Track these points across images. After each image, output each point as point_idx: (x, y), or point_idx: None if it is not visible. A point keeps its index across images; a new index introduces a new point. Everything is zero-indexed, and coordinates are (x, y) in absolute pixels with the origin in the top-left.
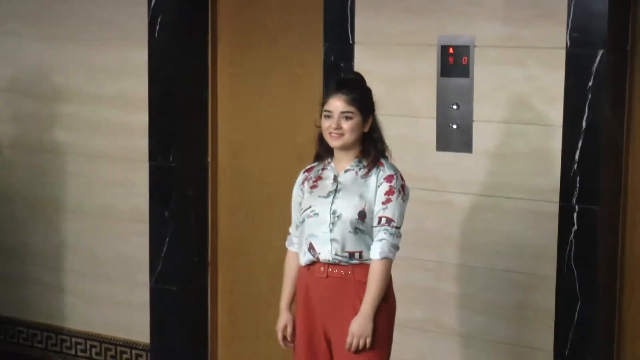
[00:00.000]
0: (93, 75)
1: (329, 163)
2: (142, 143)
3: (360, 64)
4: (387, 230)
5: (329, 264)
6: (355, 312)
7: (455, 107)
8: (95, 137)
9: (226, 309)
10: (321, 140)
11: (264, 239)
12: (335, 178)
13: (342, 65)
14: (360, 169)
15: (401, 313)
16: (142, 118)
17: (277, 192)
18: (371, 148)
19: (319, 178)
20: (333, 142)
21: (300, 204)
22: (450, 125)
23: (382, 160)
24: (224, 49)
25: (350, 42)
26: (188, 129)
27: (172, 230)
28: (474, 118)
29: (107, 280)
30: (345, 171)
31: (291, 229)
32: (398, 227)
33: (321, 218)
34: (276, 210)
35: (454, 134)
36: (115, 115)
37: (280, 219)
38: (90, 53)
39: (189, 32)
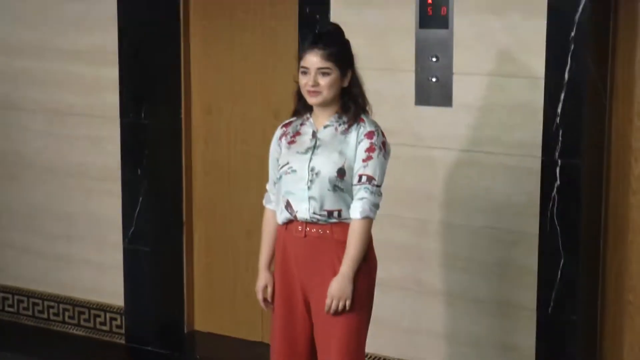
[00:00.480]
0: (61, 27)
1: (307, 118)
2: (113, 99)
3: (336, 15)
4: (368, 188)
5: (306, 222)
6: (334, 272)
7: (434, 59)
8: (63, 92)
9: (202, 270)
10: (300, 95)
11: (240, 198)
12: (314, 134)
13: (317, 16)
14: (340, 124)
15: (381, 272)
16: (112, 73)
17: (253, 150)
18: (351, 104)
19: (297, 134)
20: (311, 99)
21: (277, 160)
22: (430, 78)
23: (363, 116)
24: (197, 1)
25: None
26: (160, 85)
27: (145, 189)
28: (454, 71)
29: (79, 241)
30: (325, 127)
31: (268, 186)
32: (379, 186)
33: (299, 175)
34: (252, 168)
35: (433, 88)
36: (84, 70)
37: (256, 177)
38: (57, 4)
39: None
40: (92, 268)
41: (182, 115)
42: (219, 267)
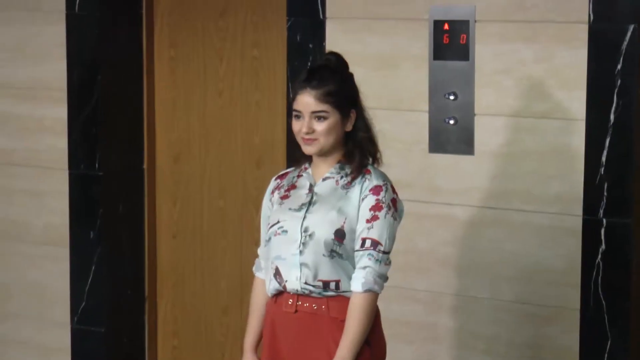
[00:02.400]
0: None
1: (305, 169)
2: (59, 145)
3: (333, 43)
4: (373, 255)
5: (298, 295)
6: (329, 357)
7: (452, 97)
8: None
9: (168, 356)
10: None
11: (215, 266)
12: (311, 187)
13: (310, 45)
14: (342, 177)
15: (389, 355)
16: (59, 113)
17: (231, 206)
18: (356, 151)
19: (293, 187)
20: (306, 148)
21: (269, 217)
22: (446, 120)
23: (370, 167)
24: (162, 26)
25: (321, 16)
26: (118, 128)
27: (98, 255)
28: (476, 111)
29: (16, 319)
30: (324, 179)
31: (260, 250)
32: (386, 252)
33: (290, 236)
34: (230, 228)
35: (450, 131)
36: (24, 109)
37: (235, 240)
38: None
39: (118, 4)
40: (32, 352)
41: (145, 165)
42: (189, 350)
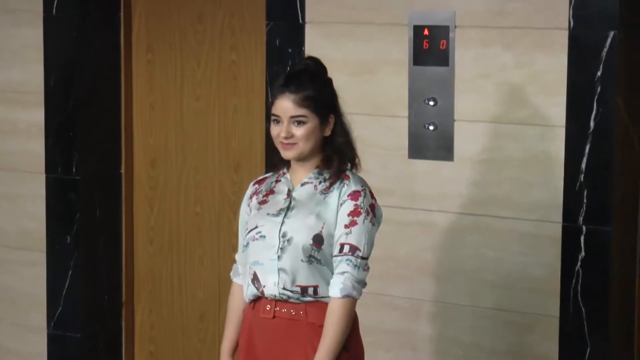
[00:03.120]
0: None
1: (284, 174)
2: (36, 149)
3: (313, 47)
4: (351, 260)
5: (276, 300)
6: None
7: (431, 103)
8: None
9: None
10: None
11: (192, 272)
12: (290, 193)
13: (289, 50)
14: (320, 182)
15: None
16: (36, 117)
17: (208, 211)
18: (334, 156)
19: (271, 192)
20: (285, 153)
21: (247, 222)
22: (426, 126)
23: (348, 173)
24: (140, 29)
25: (300, 21)
26: (95, 131)
27: (75, 260)
28: (455, 117)
29: None
30: (302, 184)
31: (237, 256)
32: (365, 258)
33: (268, 241)
34: (207, 234)
35: (430, 137)
36: (0, 111)
37: (212, 246)
38: None
39: (96, 7)
40: (8, 358)
41: (122, 169)
42: (166, 356)
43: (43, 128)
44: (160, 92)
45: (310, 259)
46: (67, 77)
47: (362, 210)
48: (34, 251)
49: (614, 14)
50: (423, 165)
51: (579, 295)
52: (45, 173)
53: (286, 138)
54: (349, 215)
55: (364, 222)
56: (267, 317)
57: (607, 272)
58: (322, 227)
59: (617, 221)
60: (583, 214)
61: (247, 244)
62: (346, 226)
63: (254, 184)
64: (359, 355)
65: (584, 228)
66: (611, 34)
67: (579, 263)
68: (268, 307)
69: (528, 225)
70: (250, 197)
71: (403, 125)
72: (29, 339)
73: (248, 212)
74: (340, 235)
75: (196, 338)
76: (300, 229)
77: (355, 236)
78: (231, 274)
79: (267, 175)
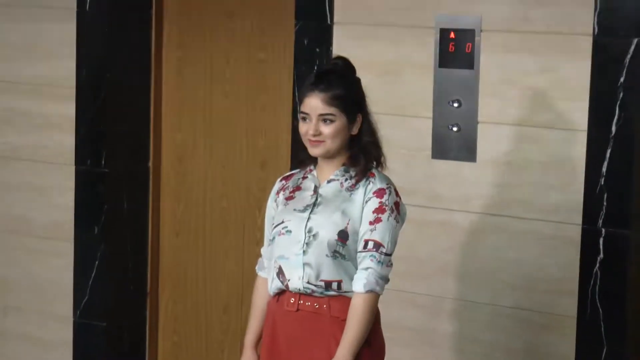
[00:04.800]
0: (3, 53)
1: (310, 171)
2: (67, 142)
3: (340, 48)
4: (375, 257)
5: (300, 294)
6: (330, 356)
7: (455, 104)
8: (6, 132)
9: (168, 351)
10: (303, 143)
11: (217, 265)
12: (316, 189)
13: (317, 50)
14: (346, 179)
15: (386, 358)
16: (67, 110)
17: (234, 207)
18: (360, 155)
19: (298, 188)
20: (312, 150)
21: (273, 217)
22: (450, 127)
23: (374, 171)
24: (171, 27)
25: (328, 21)
26: (125, 126)
27: (102, 251)
28: (479, 119)
29: (19, 313)
30: (328, 182)
31: (263, 250)
32: (388, 255)
33: (294, 236)
34: (232, 229)
35: (453, 138)
36: (32, 105)
37: (236, 240)
38: (0, 26)
39: (128, 4)
40: (33, 346)
41: (150, 163)
42: (189, 347)
43: (74, 122)
44: (189, 89)
45: (335, 254)
46: (99, 73)
47: (386, 208)
48: (62, 241)
49: (638, 21)
50: (446, 166)
51: (597, 297)
52: (75, 165)
53: (314, 136)
54: (374, 212)
55: (388, 219)
56: (291, 310)
57: (625, 274)
58: (348, 224)
59: (636, 225)
60: (603, 217)
61: (273, 238)
62: (371, 223)
63: (281, 180)
64: (380, 350)
65: (603, 231)
66: (635, 41)
67: (598, 265)
68: (292, 300)
69: (548, 227)
70: (277, 193)
71: (427, 126)
72: (55, 327)
73: (275, 207)
74: (365, 231)
75: (219, 330)
76: (326, 225)
77: (380, 233)
78: (256, 267)
79: (293, 172)
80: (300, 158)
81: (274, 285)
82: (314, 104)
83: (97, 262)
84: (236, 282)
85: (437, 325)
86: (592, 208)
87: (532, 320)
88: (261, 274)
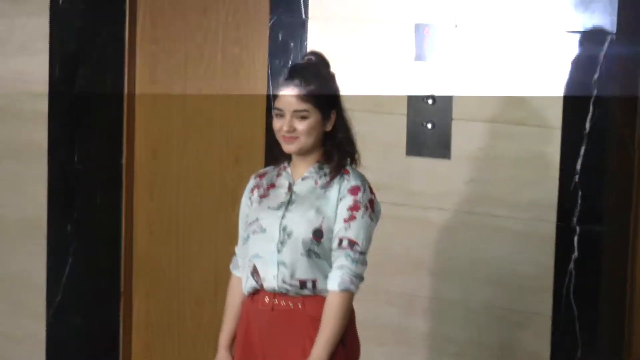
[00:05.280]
0: None
1: (284, 168)
2: (39, 136)
3: (315, 43)
4: (349, 255)
5: (274, 293)
6: (304, 355)
7: (430, 101)
8: None
9: (142, 348)
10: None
11: (191, 261)
12: (290, 187)
13: (291, 44)
14: (320, 177)
15: (361, 357)
16: (40, 104)
17: (208, 203)
18: (334, 152)
19: (272, 186)
20: (286, 147)
21: (247, 215)
22: (424, 123)
23: (348, 168)
24: (145, 22)
25: (303, 16)
26: (98, 121)
27: (75, 249)
28: (454, 115)
29: None
30: (303, 179)
31: (237, 248)
32: (363, 253)
33: (268, 235)
34: (206, 224)
35: (428, 135)
36: (4, 100)
37: (210, 236)
38: None
39: None
40: (6, 346)
41: (124, 159)
42: (162, 344)
43: (47, 117)
44: (163, 84)
45: (310, 252)
46: (72, 67)
47: (361, 205)
48: (34, 238)
49: (611, 17)
50: (420, 163)
51: (572, 295)
52: (48, 161)
53: (288, 132)
54: (348, 210)
55: (362, 217)
56: (266, 310)
57: (600, 272)
58: (322, 221)
59: (611, 222)
60: (577, 215)
61: (248, 236)
62: (345, 220)
63: (255, 177)
64: (355, 350)
65: (577, 228)
66: (608, 37)
67: (572, 263)
68: (267, 299)
69: (522, 224)
70: (252, 190)
71: (401, 122)
72: (28, 327)
73: (249, 205)
74: (339, 229)
75: (192, 325)
76: (301, 223)
77: (354, 231)
78: (230, 266)
79: (267, 169)
80: (274, 154)
81: (249, 284)
82: (288, 99)
83: (70, 260)
84: (210, 278)
85: (411, 323)
86: (566, 205)
87: (507, 318)
88: (235, 272)
